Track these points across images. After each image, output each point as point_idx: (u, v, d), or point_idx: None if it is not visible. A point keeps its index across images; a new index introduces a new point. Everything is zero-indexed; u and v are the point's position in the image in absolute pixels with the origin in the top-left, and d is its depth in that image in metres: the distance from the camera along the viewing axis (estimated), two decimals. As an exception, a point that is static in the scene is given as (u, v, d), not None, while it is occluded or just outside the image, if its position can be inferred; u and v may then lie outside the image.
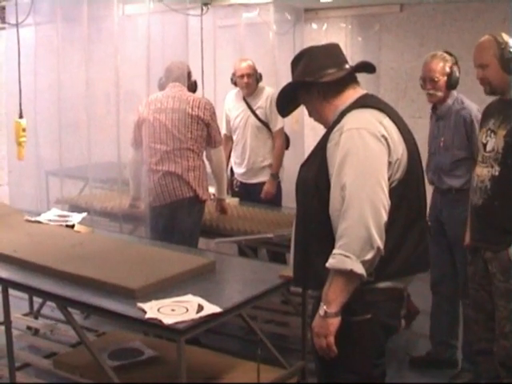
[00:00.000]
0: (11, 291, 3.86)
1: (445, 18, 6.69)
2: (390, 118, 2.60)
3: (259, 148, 5.93)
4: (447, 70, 4.25)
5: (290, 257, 2.82)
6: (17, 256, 3.80)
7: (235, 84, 5.96)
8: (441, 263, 4.43)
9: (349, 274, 2.41)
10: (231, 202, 5.77)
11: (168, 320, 2.91)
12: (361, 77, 2.79)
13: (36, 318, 5.28)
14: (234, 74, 5.93)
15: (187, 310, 3.00)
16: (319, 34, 7.44)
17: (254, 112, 5.91)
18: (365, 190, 2.43)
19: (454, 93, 4.32)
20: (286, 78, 6.17)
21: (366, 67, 2.79)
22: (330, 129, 2.64)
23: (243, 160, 5.97)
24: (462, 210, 3.90)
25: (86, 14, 5.61)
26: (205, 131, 4.87)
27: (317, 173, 2.59)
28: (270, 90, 5.92)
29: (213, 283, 3.55)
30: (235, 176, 6.11)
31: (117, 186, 5.88)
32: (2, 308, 3.95)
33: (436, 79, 4.25)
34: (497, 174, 3.48)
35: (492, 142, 3.53)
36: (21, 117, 4.44)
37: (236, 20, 6.77)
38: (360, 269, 2.40)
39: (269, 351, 3.75)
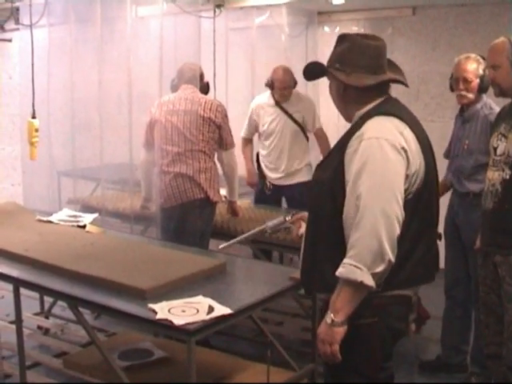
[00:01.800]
0: (22, 290, 3.87)
1: (457, 21, 6.68)
2: (410, 128, 2.56)
3: (296, 152, 5.95)
4: (480, 72, 4.21)
5: (300, 260, 2.82)
6: (28, 255, 3.81)
7: (270, 88, 5.95)
8: (455, 267, 4.43)
9: (358, 285, 2.41)
10: (243, 203, 5.77)
11: (179, 321, 2.91)
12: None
13: (47, 317, 5.31)
14: (271, 81, 5.89)
15: (198, 311, 3.00)
16: (332, 36, 7.41)
17: (291, 116, 5.91)
18: (380, 201, 2.42)
19: (484, 97, 4.30)
20: (299, 80, 6.18)
21: (399, 82, 2.73)
22: (349, 133, 2.60)
23: (280, 165, 5.97)
24: (479, 215, 3.88)
25: (99, 15, 5.63)
26: (216, 133, 4.87)
27: (332, 176, 2.57)
28: (304, 93, 5.97)
29: (223, 285, 3.55)
30: (268, 180, 6.06)
31: (128, 187, 5.89)
32: (13, 307, 3.96)
33: (469, 80, 4.21)
34: (507, 177, 3.47)
35: (503, 145, 3.53)
36: (34, 117, 4.46)
37: (248, 22, 6.77)
38: (370, 281, 2.40)
39: (279, 353, 3.76)
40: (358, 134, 2.53)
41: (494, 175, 3.56)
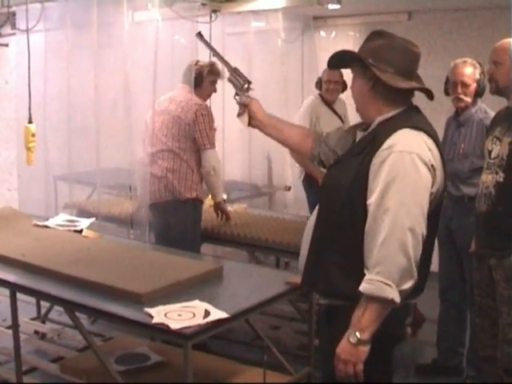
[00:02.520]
0: (19, 295, 3.87)
1: (452, 26, 6.70)
2: (436, 144, 2.50)
3: None
4: (477, 76, 4.25)
5: (300, 260, 2.75)
6: (25, 260, 3.82)
7: (319, 88, 6.06)
8: (449, 271, 4.44)
9: (386, 302, 2.35)
10: (239, 208, 5.78)
11: (175, 325, 2.92)
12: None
13: (43, 322, 5.30)
14: (322, 80, 5.98)
15: (194, 316, 3.01)
16: (328, 41, 7.46)
17: (340, 118, 6.04)
18: (409, 218, 2.35)
19: (479, 101, 4.33)
20: (295, 85, 6.21)
21: (428, 92, 2.62)
22: (371, 141, 2.51)
23: None
24: (473, 219, 3.88)
25: (96, 20, 5.63)
26: (188, 132, 4.85)
27: (352, 182, 2.48)
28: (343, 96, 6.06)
29: (220, 289, 3.56)
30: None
31: (125, 192, 5.90)
32: (9, 312, 3.97)
33: (468, 84, 4.24)
34: (501, 180, 3.49)
35: (497, 148, 3.55)
36: (30, 122, 4.46)
37: (245, 27, 6.78)
38: (398, 298, 2.34)
39: (275, 357, 3.76)
40: (386, 145, 2.43)
41: (487, 178, 3.58)
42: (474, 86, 4.25)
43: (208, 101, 5.25)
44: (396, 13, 6.81)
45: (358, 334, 2.38)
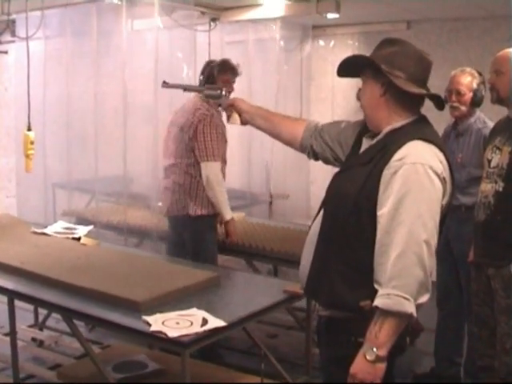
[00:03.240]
0: (17, 302, 3.88)
1: (451, 35, 6.74)
2: (445, 157, 2.46)
3: None
4: (474, 86, 4.25)
5: (300, 268, 2.69)
6: (23, 268, 3.81)
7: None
8: (446, 280, 4.44)
9: (403, 317, 2.29)
10: (237, 216, 5.78)
11: (172, 333, 2.92)
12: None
13: (41, 329, 5.29)
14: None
15: (192, 324, 3.01)
16: (326, 50, 7.48)
17: None
18: (425, 231, 2.31)
19: (477, 111, 4.33)
20: (294, 93, 6.21)
21: (438, 101, 2.59)
22: (380, 150, 2.47)
23: None
24: (470, 228, 3.88)
25: (95, 28, 5.67)
26: (190, 146, 4.68)
27: (359, 191, 2.43)
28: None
29: (217, 297, 3.56)
30: None
31: (123, 200, 5.90)
32: (7, 319, 3.97)
33: (462, 92, 4.25)
34: (501, 189, 3.49)
35: (497, 158, 3.56)
36: (29, 129, 4.47)
37: (244, 36, 6.81)
38: (415, 312, 2.29)
39: (272, 366, 3.76)
40: (398, 155, 2.38)
41: (486, 187, 3.59)
42: (469, 95, 4.26)
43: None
44: (395, 22, 6.84)
45: (375, 349, 2.31)
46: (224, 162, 4.84)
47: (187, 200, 4.71)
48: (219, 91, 3.21)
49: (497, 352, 3.58)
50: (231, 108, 3.06)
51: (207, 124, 4.63)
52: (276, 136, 3.06)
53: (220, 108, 3.20)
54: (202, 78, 4.83)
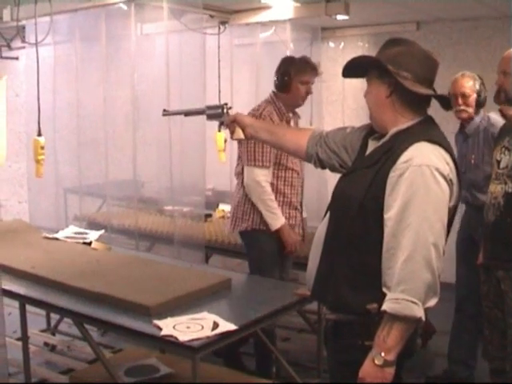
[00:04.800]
0: (29, 307, 3.88)
1: (461, 36, 6.71)
2: (452, 158, 2.45)
3: None
4: (477, 87, 4.33)
5: (307, 271, 2.69)
6: (34, 272, 3.83)
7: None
8: (468, 282, 4.40)
9: (411, 321, 2.27)
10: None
11: (183, 337, 2.92)
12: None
13: (53, 334, 5.31)
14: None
15: (202, 328, 3.01)
16: (336, 52, 7.46)
17: None
18: (432, 233, 2.29)
19: (481, 111, 4.38)
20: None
21: (445, 101, 2.58)
22: (386, 152, 2.45)
23: None
24: None
25: (104, 33, 5.67)
26: (239, 150, 4.43)
27: (365, 194, 2.42)
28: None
29: (228, 301, 3.56)
30: None
31: (133, 204, 5.91)
32: (19, 324, 3.98)
33: (467, 95, 4.31)
34: (510, 190, 3.47)
35: (506, 159, 3.54)
36: (39, 135, 4.47)
37: (253, 39, 6.80)
38: (424, 316, 2.28)
39: (284, 369, 3.75)
40: (404, 157, 2.37)
41: (496, 188, 3.56)
42: (474, 96, 4.33)
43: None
44: (404, 23, 6.82)
45: (383, 354, 2.31)
46: (287, 168, 4.39)
47: (234, 212, 4.48)
48: (220, 110, 3.17)
49: (508, 354, 3.56)
50: (234, 123, 3.07)
51: None
52: (281, 147, 3.11)
53: (223, 126, 3.17)
54: (276, 77, 4.46)
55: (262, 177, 4.28)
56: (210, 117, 3.22)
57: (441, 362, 4.78)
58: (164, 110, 3.40)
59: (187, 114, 3.37)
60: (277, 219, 4.34)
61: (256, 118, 4.09)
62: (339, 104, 7.54)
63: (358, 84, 6.24)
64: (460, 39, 6.71)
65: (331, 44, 7.59)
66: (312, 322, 4.13)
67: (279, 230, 4.34)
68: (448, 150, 2.45)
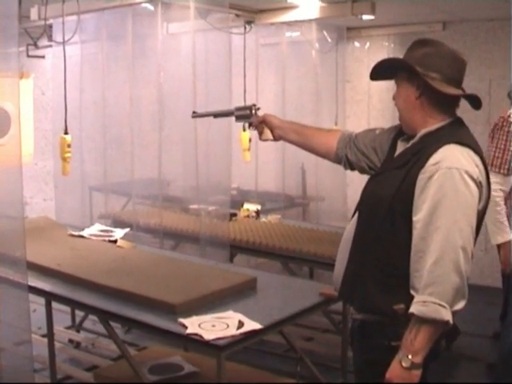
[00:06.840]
0: (54, 304, 3.91)
1: (488, 36, 6.67)
2: (482, 161, 2.43)
3: None
4: None
5: (335, 272, 2.69)
6: (60, 270, 3.85)
7: None
8: None
9: (439, 324, 2.27)
10: (273, 218, 5.78)
11: (208, 335, 2.92)
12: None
13: (78, 331, 5.35)
14: None
15: (228, 326, 3.02)
16: (362, 52, 7.45)
17: None
18: (462, 237, 2.28)
19: None
20: (329, 96, 6.18)
21: (474, 100, 2.54)
22: (415, 154, 2.44)
23: None
24: None
25: (131, 32, 5.70)
26: None
27: (394, 195, 2.41)
28: None
29: (253, 300, 3.56)
30: None
31: (159, 203, 5.93)
32: (45, 321, 4.01)
33: None
34: None
35: None
36: (66, 133, 4.50)
37: (279, 38, 6.81)
38: (451, 319, 2.27)
39: (308, 369, 3.75)
40: (433, 159, 2.36)
41: None
42: None
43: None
44: (430, 23, 6.79)
45: (410, 356, 2.30)
46: None
47: None
48: (248, 111, 3.18)
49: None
50: (262, 124, 3.08)
51: None
52: (310, 149, 3.07)
53: (251, 127, 3.17)
54: None
55: None
56: (239, 118, 3.23)
57: (465, 364, 4.75)
58: (193, 112, 3.42)
59: (216, 115, 3.39)
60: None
61: None
62: (365, 104, 7.51)
63: (384, 84, 6.22)
64: (487, 39, 6.67)
65: (357, 44, 7.57)
66: (336, 322, 4.12)
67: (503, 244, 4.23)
68: (477, 151, 2.43)
